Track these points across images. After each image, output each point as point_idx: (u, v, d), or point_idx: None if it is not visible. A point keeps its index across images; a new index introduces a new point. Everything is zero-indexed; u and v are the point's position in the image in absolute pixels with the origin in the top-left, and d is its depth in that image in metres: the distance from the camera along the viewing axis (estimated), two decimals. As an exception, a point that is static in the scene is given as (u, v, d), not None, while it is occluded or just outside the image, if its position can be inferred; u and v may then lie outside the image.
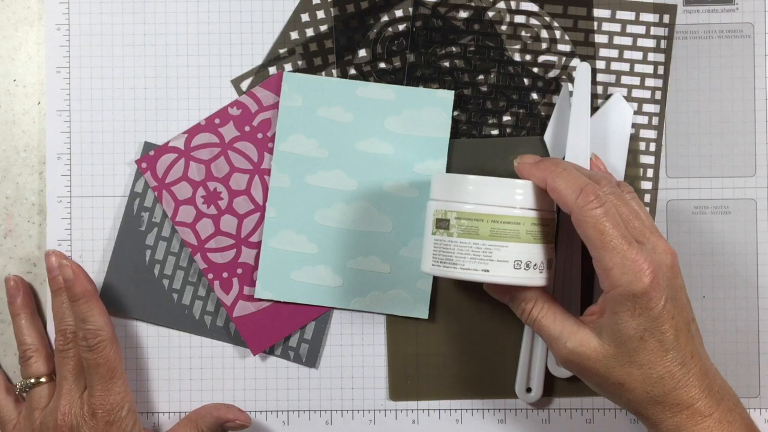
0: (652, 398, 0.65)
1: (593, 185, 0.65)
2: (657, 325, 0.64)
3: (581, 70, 0.75)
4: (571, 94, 0.76)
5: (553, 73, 0.77)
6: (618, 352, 0.65)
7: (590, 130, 0.75)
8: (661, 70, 0.77)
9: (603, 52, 0.77)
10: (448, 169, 0.76)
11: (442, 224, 0.68)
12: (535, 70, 0.77)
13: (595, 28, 0.77)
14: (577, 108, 0.74)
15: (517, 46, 0.77)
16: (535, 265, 0.68)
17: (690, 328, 0.66)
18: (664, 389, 0.65)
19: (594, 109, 0.76)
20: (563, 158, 0.74)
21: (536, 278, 0.68)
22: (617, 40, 0.77)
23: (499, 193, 0.67)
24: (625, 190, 0.69)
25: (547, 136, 0.76)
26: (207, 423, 0.75)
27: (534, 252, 0.68)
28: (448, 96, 0.76)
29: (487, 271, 0.67)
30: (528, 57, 0.77)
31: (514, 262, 0.67)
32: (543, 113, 0.77)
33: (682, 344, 0.65)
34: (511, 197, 0.67)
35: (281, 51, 0.78)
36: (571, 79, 0.77)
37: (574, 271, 0.75)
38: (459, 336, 0.77)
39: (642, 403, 0.66)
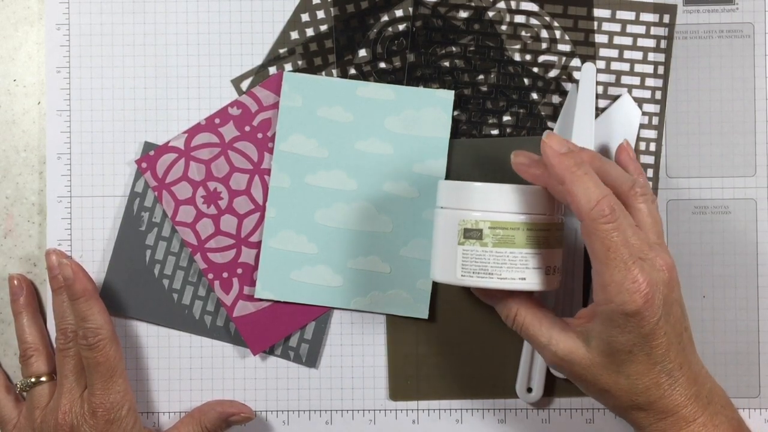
0: (637, 405, 0.65)
1: (610, 198, 0.63)
2: (647, 341, 0.63)
3: (586, 70, 0.75)
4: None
5: (553, 73, 0.77)
6: (605, 362, 0.65)
7: (597, 130, 0.75)
8: (661, 70, 0.77)
9: (603, 52, 0.77)
10: (449, 169, 0.76)
11: (472, 234, 0.67)
12: (535, 70, 0.77)
13: (595, 28, 0.77)
14: (582, 109, 0.74)
15: (517, 46, 0.77)
16: (557, 269, 0.68)
17: (681, 339, 0.65)
18: (650, 398, 0.65)
19: (597, 109, 0.76)
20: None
21: (556, 282, 0.68)
22: (617, 40, 0.77)
23: (535, 201, 0.67)
24: (642, 192, 0.68)
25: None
26: (210, 419, 0.75)
27: (558, 256, 0.68)
28: (448, 96, 0.76)
29: (524, 279, 0.67)
30: (528, 57, 0.77)
31: (546, 268, 0.67)
32: (543, 113, 0.77)
33: (671, 357, 0.64)
34: (545, 204, 0.67)
35: (281, 51, 0.78)
36: (572, 79, 0.77)
37: (576, 274, 0.75)
38: (459, 336, 0.77)
39: (627, 408, 0.66)
